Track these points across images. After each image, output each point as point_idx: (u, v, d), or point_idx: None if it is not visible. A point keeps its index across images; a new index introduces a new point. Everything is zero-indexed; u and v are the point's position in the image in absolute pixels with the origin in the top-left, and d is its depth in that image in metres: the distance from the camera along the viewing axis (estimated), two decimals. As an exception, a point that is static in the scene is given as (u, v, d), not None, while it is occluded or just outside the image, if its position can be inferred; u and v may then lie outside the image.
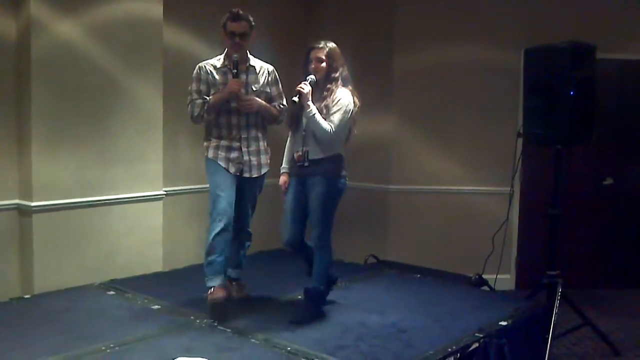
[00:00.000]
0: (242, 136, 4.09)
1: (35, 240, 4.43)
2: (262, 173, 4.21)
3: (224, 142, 4.08)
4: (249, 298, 4.30)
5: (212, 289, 3.98)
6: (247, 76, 4.10)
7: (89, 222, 4.71)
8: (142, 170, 5.00)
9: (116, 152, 4.83)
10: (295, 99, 3.84)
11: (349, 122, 3.96)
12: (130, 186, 4.95)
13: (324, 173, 3.94)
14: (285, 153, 4.21)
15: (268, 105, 4.16)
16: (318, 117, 3.85)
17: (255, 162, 4.14)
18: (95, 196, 4.74)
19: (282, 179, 4.19)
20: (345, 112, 3.90)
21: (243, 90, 4.04)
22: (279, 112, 4.23)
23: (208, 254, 4.00)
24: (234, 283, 4.33)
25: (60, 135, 4.52)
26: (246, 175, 4.11)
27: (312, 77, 3.93)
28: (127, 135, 4.89)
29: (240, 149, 4.08)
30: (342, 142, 4.03)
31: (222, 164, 4.06)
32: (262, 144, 4.20)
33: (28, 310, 4.06)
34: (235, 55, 3.99)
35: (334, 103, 3.89)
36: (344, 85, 3.99)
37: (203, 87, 4.07)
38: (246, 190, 4.18)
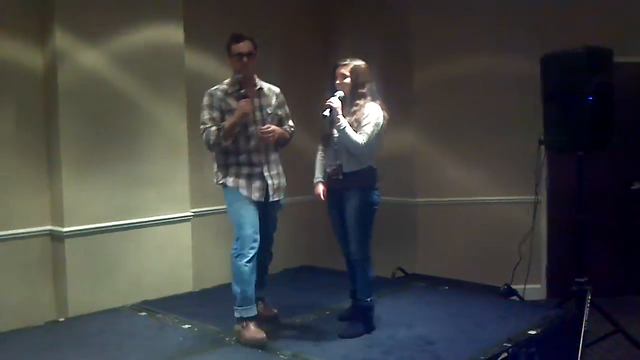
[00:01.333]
0: (263, 160, 4.04)
1: (68, 264, 4.54)
2: (282, 196, 4.18)
3: (244, 170, 4.01)
4: (276, 316, 4.28)
5: (245, 324, 3.90)
6: (259, 99, 4.09)
7: (120, 245, 4.81)
8: (169, 192, 5.10)
9: (144, 175, 4.94)
10: (326, 112, 3.88)
11: (380, 134, 3.98)
12: (159, 208, 5.04)
13: (358, 186, 3.96)
14: (316, 166, 4.22)
15: (282, 130, 4.15)
16: (349, 130, 3.88)
17: (276, 186, 4.09)
18: (124, 219, 4.84)
19: (318, 188, 4.18)
20: (376, 124, 3.92)
21: (258, 113, 4.04)
22: (290, 135, 4.24)
23: (239, 283, 3.90)
24: (260, 302, 4.25)
25: (89, 161, 4.64)
26: (271, 200, 4.07)
27: (340, 92, 3.97)
28: (154, 159, 5.00)
29: (262, 174, 4.03)
30: (374, 155, 4.05)
31: (244, 192, 3.99)
32: (280, 167, 4.18)
33: (63, 334, 4.16)
34: (239, 75, 3.99)
35: (364, 116, 3.93)
36: (373, 99, 4.02)
37: (216, 114, 4.01)
38: (269, 213, 4.15)
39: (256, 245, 3.92)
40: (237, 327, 3.93)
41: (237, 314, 3.93)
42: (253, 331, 3.87)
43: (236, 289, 3.91)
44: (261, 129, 3.99)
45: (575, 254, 4.67)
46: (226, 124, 3.95)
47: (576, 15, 5.57)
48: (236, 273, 3.91)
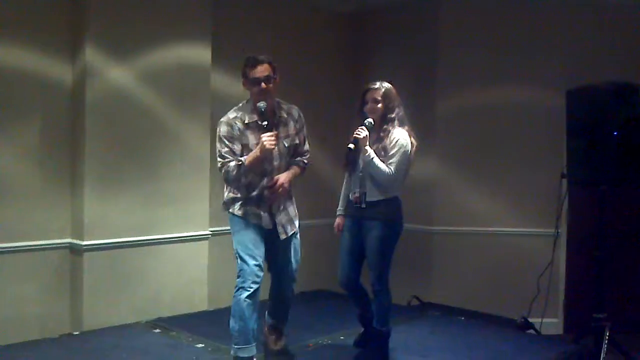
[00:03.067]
0: (273, 197, 3.75)
1: (86, 278, 4.57)
2: (296, 227, 3.92)
3: (251, 206, 3.74)
4: (285, 351, 4.03)
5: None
6: (278, 130, 3.75)
7: (137, 261, 4.84)
8: (189, 210, 5.13)
9: (164, 193, 4.98)
10: (351, 146, 3.82)
11: (407, 163, 3.93)
12: (178, 226, 5.07)
13: (381, 217, 3.90)
14: (341, 194, 4.19)
15: (292, 172, 3.85)
16: (376, 160, 3.83)
17: (285, 220, 3.83)
18: (143, 236, 4.86)
19: (337, 220, 4.18)
20: (404, 152, 3.87)
21: (275, 149, 3.69)
22: (303, 169, 3.95)
23: (236, 319, 3.66)
24: (273, 333, 4.07)
25: (112, 176, 4.68)
26: (282, 237, 3.81)
27: (370, 120, 3.90)
28: (175, 177, 5.03)
29: (270, 212, 3.76)
30: (400, 184, 3.98)
31: (253, 220, 3.74)
32: (290, 200, 3.91)
33: (77, 347, 4.19)
34: (261, 104, 3.66)
35: (391, 144, 3.87)
36: (401, 125, 3.96)
37: (237, 147, 3.70)
38: (285, 248, 3.88)
39: (259, 279, 3.66)
40: None
41: (232, 352, 3.71)
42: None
43: (233, 325, 3.66)
44: (270, 188, 3.72)
45: (594, 289, 4.61)
46: (247, 160, 3.65)
47: (603, 49, 5.56)
48: (234, 308, 3.66)
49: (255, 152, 3.63)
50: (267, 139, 3.58)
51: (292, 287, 4.05)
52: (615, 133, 4.34)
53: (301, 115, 3.93)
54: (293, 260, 3.95)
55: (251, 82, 3.70)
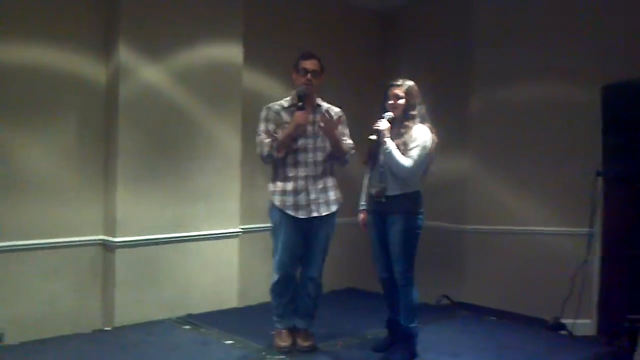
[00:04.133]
0: (309, 174, 4.02)
1: (118, 274, 4.63)
2: (332, 211, 4.10)
3: (289, 185, 4.01)
4: (314, 349, 4.13)
5: (277, 331, 4.14)
6: (314, 115, 4.06)
7: (169, 257, 4.88)
8: (220, 208, 5.16)
9: (196, 190, 5.01)
10: (373, 137, 3.87)
11: (427, 158, 3.95)
12: (209, 223, 5.10)
13: (402, 210, 3.91)
14: (363, 190, 4.22)
15: (340, 138, 4.08)
16: (396, 152, 3.85)
17: (322, 200, 4.05)
18: (175, 233, 4.91)
19: (361, 216, 4.21)
20: (424, 148, 3.89)
21: (311, 128, 4.02)
22: (347, 149, 4.13)
23: (272, 298, 4.17)
24: (301, 332, 4.17)
25: (144, 174, 4.74)
26: (314, 214, 4.02)
27: (389, 113, 3.95)
28: (207, 175, 5.07)
29: (306, 187, 4.01)
30: (419, 179, 4.00)
31: (291, 212, 3.99)
32: (330, 181, 4.12)
33: (108, 343, 4.24)
34: (299, 89, 4.00)
35: (412, 139, 3.89)
36: (422, 122, 3.99)
37: (271, 127, 4.05)
38: (316, 233, 4.07)
39: (283, 272, 4.06)
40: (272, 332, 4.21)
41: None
42: (279, 337, 4.13)
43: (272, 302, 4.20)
44: (321, 118, 3.96)
45: (629, 289, 4.52)
46: (280, 135, 3.99)
47: (638, 44, 5.43)
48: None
49: (288, 128, 3.98)
50: (299, 113, 3.95)
51: (317, 279, 4.17)
52: (652, 130, 4.26)
53: (343, 115, 4.19)
54: (321, 246, 4.12)
55: (299, 72, 4.06)
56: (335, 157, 4.13)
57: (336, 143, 4.04)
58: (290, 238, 4.03)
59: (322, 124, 3.95)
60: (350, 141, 4.18)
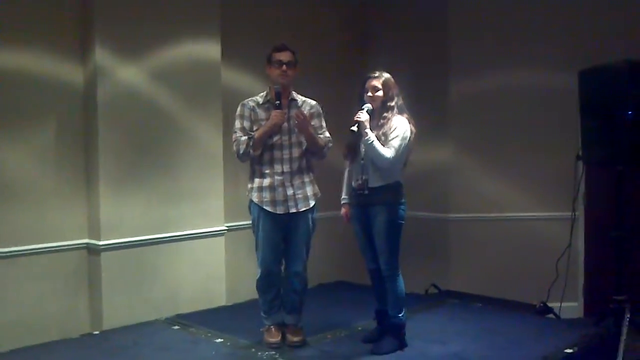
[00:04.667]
0: (285, 170, 4.03)
1: (104, 277, 4.60)
2: (311, 206, 4.11)
3: (266, 181, 4.03)
4: (304, 343, 4.13)
5: (266, 327, 4.16)
6: (288, 110, 4.07)
7: (155, 258, 4.86)
8: (204, 207, 5.15)
9: (179, 190, 4.99)
10: (354, 128, 3.87)
11: (407, 149, 3.97)
12: (194, 223, 5.09)
13: (385, 202, 3.93)
14: (344, 184, 4.23)
15: (315, 134, 4.07)
16: (377, 144, 3.87)
17: (300, 195, 4.06)
18: (160, 233, 4.89)
19: (343, 210, 4.22)
20: (404, 138, 3.91)
21: (286, 124, 4.02)
22: (325, 143, 4.13)
23: (258, 295, 4.22)
24: (291, 327, 4.19)
25: (126, 175, 4.71)
26: (292, 210, 4.03)
27: (368, 105, 3.96)
28: (190, 174, 5.05)
29: (283, 184, 4.02)
30: (400, 170, 4.03)
31: (269, 208, 4.01)
32: (307, 176, 4.14)
33: (97, 346, 4.21)
34: (276, 86, 3.99)
35: (391, 130, 3.92)
36: (400, 113, 4.01)
37: (247, 124, 4.06)
38: (296, 228, 4.08)
39: (265, 267, 4.08)
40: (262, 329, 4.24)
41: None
42: (268, 333, 4.15)
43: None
44: (275, 112, 3.96)
45: (614, 271, 4.57)
46: (256, 133, 4.00)
47: (615, 29, 5.48)
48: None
49: (265, 126, 3.99)
50: (277, 113, 3.94)
51: (302, 274, 4.16)
52: (629, 112, 4.28)
53: (319, 107, 4.21)
54: (302, 241, 4.12)
55: (273, 64, 4.05)
56: (312, 152, 4.13)
57: (311, 139, 4.05)
58: (269, 234, 4.05)
59: (296, 122, 3.97)
60: (327, 134, 4.18)
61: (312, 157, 4.17)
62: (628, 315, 4.30)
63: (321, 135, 4.15)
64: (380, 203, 3.93)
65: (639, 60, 4.41)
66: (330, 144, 4.18)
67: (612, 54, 4.67)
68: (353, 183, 4.05)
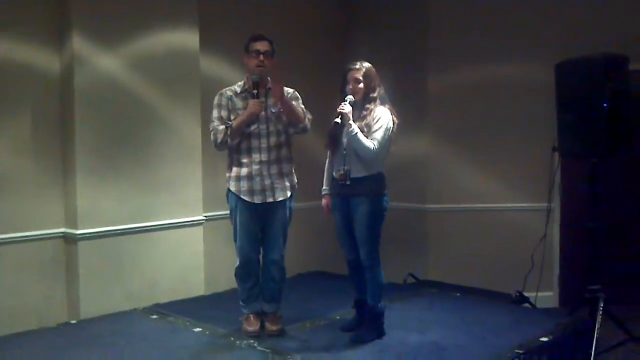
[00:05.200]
0: (263, 159, 4.02)
1: (81, 266, 4.57)
2: (288, 196, 4.11)
3: (244, 170, 4.02)
4: (282, 332, 4.15)
5: (245, 316, 4.18)
6: (266, 99, 4.05)
7: (132, 248, 4.84)
8: (182, 196, 5.13)
9: (157, 179, 4.97)
10: (338, 120, 3.87)
11: (389, 140, 3.98)
12: (172, 212, 5.07)
13: (367, 192, 3.94)
14: (325, 174, 4.23)
15: (291, 103, 4.02)
16: (360, 135, 3.87)
17: (278, 186, 4.06)
18: (137, 223, 4.86)
19: (324, 201, 4.22)
20: (387, 129, 3.93)
21: (263, 112, 4.00)
22: (304, 115, 4.07)
23: (237, 283, 4.23)
24: (270, 316, 4.20)
25: (104, 164, 4.67)
26: (269, 200, 4.03)
27: (350, 97, 3.96)
28: (168, 163, 5.03)
29: (261, 173, 4.01)
30: (382, 160, 4.04)
31: (246, 197, 4.01)
32: (286, 166, 4.13)
33: (75, 336, 4.19)
34: (254, 76, 3.99)
35: (375, 121, 3.92)
36: (382, 104, 4.02)
37: (224, 114, 4.06)
38: (273, 217, 4.09)
39: (243, 256, 4.09)
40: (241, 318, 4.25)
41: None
42: (247, 322, 4.16)
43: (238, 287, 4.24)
44: (253, 101, 3.95)
45: (588, 261, 4.64)
46: (234, 122, 3.99)
47: (592, 22, 5.55)
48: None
49: (242, 115, 3.98)
50: (254, 102, 3.94)
51: (280, 262, 4.18)
52: (605, 105, 4.35)
53: (297, 93, 4.19)
54: (279, 230, 4.12)
55: (251, 53, 4.03)
56: (293, 123, 4.07)
57: (288, 108, 3.99)
58: (247, 223, 4.06)
59: (270, 87, 3.98)
60: (306, 111, 4.14)
61: (294, 131, 4.12)
62: (602, 305, 4.38)
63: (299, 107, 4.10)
64: (363, 194, 3.94)
65: (614, 53, 4.48)
66: (310, 116, 4.13)
67: (589, 46, 4.73)
68: (335, 173, 4.06)
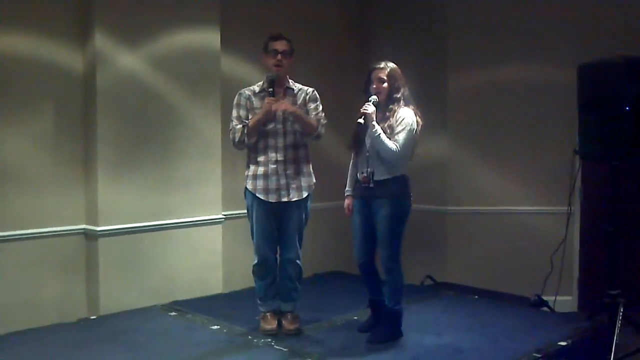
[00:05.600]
0: (279, 159, 4.04)
1: (101, 263, 4.62)
2: (304, 196, 4.12)
3: (261, 170, 4.05)
4: (300, 331, 4.17)
5: (262, 315, 4.20)
6: (284, 98, 4.07)
7: (152, 245, 4.88)
8: (202, 194, 5.16)
9: (177, 177, 5.01)
10: (361, 120, 3.85)
11: (413, 141, 3.95)
12: (191, 210, 5.10)
13: (390, 195, 3.92)
14: (348, 176, 4.21)
15: (304, 114, 4.07)
16: (383, 136, 3.84)
17: (294, 185, 4.07)
18: (157, 220, 4.91)
19: (346, 202, 4.20)
20: (410, 130, 3.89)
21: (280, 112, 4.01)
22: (317, 123, 4.10)
23: (254, 281, 4.25)
24: (287, 315, 4.21)
25: (125, 162, 4.72)
26: (284, 199, 4.05)
27: (374, 97, 3.93)
28: (188, 161, 5.06)
29: (277, 172, 4.03)
30: (406, 162, 4.01)
31: (261, 196, 4.04)
32: (303, 166, 4.14)
33: (94, 331, 4.24)
34: (270, 74, 4.03)
35: (397, 122, 3.89)
36: (406, 104, 3.98)
37: (242, 113, 4.10)
38: (289, 216, 4.11)
39: (259, 255, 4.13)
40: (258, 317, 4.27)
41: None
42: (265, 320, 4.18)
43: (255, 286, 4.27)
44: (268, 99, 3.99)
45: (607, 265, 4.59)
46: (250, 121, 4.03)
47: (613, 24, 5.49)
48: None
49: (258, 114, 4.02)
50: (269, 100, 3.97)
51: (296, 261, 4.19)
52: (627, 108, 4.30)
53: (316, 93, 4.20)
54: (295, 229, 4.14)
55: (269, 53, 4.07)
56: (307, 133, 4.11)
57: (300, 119, 4.04)
58: (262, 222, 4.09)
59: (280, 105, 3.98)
60: (322, 115, 4.17)
61: (307, 139, 4.15)
62: (621, 310, 4.33)
63: (313, 115, 4.13)
64: (385, 196, 3.92)
65: (636, 56, 4.42)
66: (324, 122, 4.16)
67: (612, 49, 4.67)
68: (358, 175, 4.04)
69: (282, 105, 3.97)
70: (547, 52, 5.69)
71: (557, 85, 5.56)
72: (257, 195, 4.06)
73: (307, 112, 4.13)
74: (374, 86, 3.97)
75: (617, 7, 5.50)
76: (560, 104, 5.49)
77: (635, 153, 4.42)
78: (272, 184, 4.04)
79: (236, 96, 4.18)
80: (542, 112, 5.73)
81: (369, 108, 3.87)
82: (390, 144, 3.85)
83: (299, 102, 4.13)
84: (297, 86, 4.20)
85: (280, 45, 4.05)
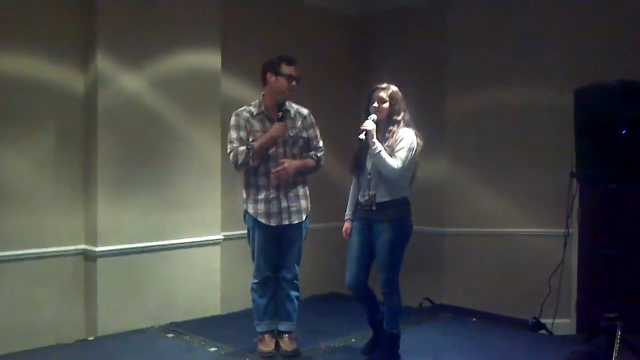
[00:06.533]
0: (281, 182, 4.05)
1: (100, 283, 4.61)
2: (304, 218, 4.15)
3: (262, 195, 4.07)
4: (297, 353, 4.16)
5: (260, 337, 4.19)
6: (285, 121, 4.09)
7: (151, 266, 4.88)
8: (201, 215, 5.17)
9: (177, 198, 5.02)
10: (362, 136, 3.83)
11: (413, 161, 3.94)
12: (190, 231, 5.11)
13: (391, 219, 3.91)
14: (349, 198, 4.21)
15: (304, 161, 4.15)
16: (384, 153, 3.82)
17: (294, 209, 4.10)
18: (156, 241, 4.91)
19: (346, 225, 4.19)
20: (410, 149, 3.87)
21: (286, 135, 4.06)
22: (317, 162, 4.21)
23: (252, 299, 4.23)
24: (285, 336, 4.21)
25: (124, 182, 4.74)
26: (285, 222, 4.07)
27: (374, 115, 3.93)
28: (187, 182, 5.08)
29: (278, 197, 4.06)
30: (407, 184, 4.00)
31: (263, 220, 4.06)
32: (302, 190, 4.18)
33: (91, 352, 4.23)
34: (280, 97, 4.05)
35: (397, 142, 3.88)
36: (406, 127, 3.98)
37: (243, 134, 4.08)
38: (289, 238, 4.14)
39: (260, 275, 4.15)
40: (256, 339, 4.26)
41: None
42: (263, 342, 4.17)
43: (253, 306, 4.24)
44: (273, 171, 4.02)
45: (606, 288, 4.60)
46: (256, 144, 4.01)
47: (610, 48, 5.54)
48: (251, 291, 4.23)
49: (265, 137, 4.01)
50: (279, 126, 3.99)
51: (293, 281, 4.20)
52: (623, 131, 4.33)
53: (311, 115, 4.23)
54: (294, 250, 4.16)
55: (283, 76, 4.07)
56: (307, 174, 4.23)
57: (302, 171, 4.14)
58: (264, 245, 4.11)
59: (274, 176, 4.02)
60: (320, 143, 4.24)
61: (305, 175, 4.23)
62: (619, 333, 4.33)
63: (312, 153, 4.20)
64: (387, 220, 3.90)
65: (632, 80, 4.46)
66: (321, 153, 4.23)
67: (608, 73, 4.72)
68: (360, 198, 4.04)
69: (286, 174, 4.02)
70: (545, 76, 5.74)
71: (554, 108, 5.60)
72: (258, 219, 4.07)
73: (307, 139, 4.17)
74: (375, 105, 3.96)
75: (614, 31, 5.56)
76: (558, 126, 5.51)
77: (632, 175, 4.45)
78: (274, 208, 4.06)
79: (233, 117, 4.17)
80: (540, 135, 5.76)
81: (369, 124, 3.85)
82: (391, 161, 3.82)
83: (298, 125, 4.15)
84: (293, 107, 4.20)
85: (295, 71, 4.08)
